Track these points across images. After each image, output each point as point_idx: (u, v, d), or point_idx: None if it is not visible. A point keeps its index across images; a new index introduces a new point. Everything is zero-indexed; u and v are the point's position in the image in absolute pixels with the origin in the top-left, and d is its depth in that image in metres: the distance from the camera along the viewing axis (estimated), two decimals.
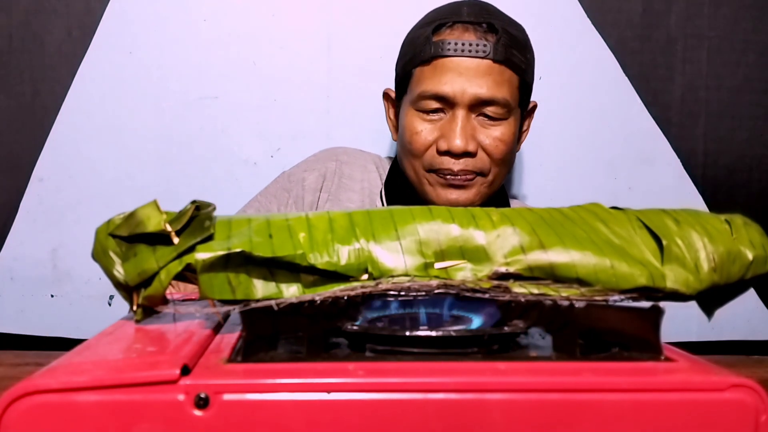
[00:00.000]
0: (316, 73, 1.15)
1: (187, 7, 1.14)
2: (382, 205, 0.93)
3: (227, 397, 0.31)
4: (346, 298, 0.39)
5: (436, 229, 0.43)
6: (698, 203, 1.17)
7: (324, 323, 0.38)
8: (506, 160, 0.91)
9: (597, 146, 1.18)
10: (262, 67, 1.15)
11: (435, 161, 0.89)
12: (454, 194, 0.90)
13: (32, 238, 1.11)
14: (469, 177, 0.89)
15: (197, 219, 0.43)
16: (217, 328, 0.42)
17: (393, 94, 0.97)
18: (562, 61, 1.18)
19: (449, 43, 0.86)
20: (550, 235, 0.43)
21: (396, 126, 0.97)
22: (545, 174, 1.18)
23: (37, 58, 1.13)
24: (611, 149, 1.18)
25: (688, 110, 1.18)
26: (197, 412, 0.31)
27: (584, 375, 0.33)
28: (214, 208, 0.46)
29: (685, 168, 1.17)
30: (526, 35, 0.93)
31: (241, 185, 1.13)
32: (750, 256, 0.45)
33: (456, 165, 0.88)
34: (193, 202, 0.45)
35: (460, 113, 0.87)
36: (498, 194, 0.97)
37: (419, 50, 0.89)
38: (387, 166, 1.00)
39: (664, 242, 0.44)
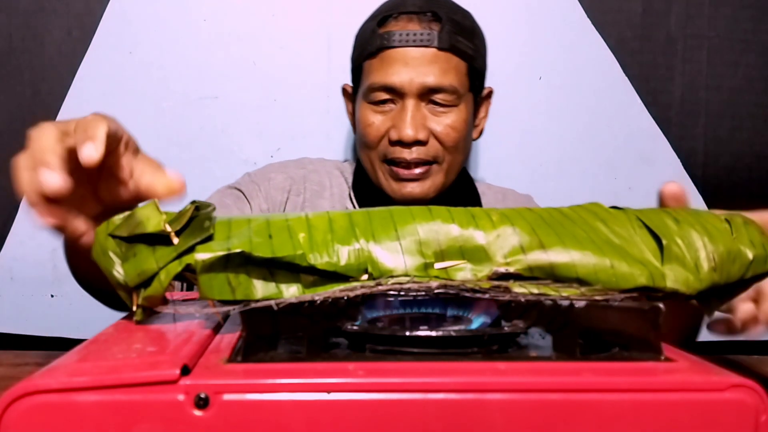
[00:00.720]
0: (316, 73, 1.15)
1: (187, 7, 1.14)
2: (354, 207, 0.92)
3: (227, 397, 0.31)
4: (346, 298, 0.39)
5: (435, 229, 0.43)
6: (698, 203, 1.17)
7: (324, 323, 0.38)
8: (459, 148, 0.92)
9: (597, 146, 1.19)
10: (262, 67, 1.15)
11: (388, 151, 0.90)
12: (408, 187, 0.90)
13: (32, 238, 1.11)
14: (421, 169, 0.89)
15: (197, 219, 0.43)
16: (217, 328, 0.42)
17: (350, 89, 0.98)
18: (562, 61, 1.18)
19: (394, 34, 0.88)
20: (549, 235, 0.43)
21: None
22: (545, 174, 1.18)
23: (37, 58, 1.13)
24: (611, 149, 1.18)
25: (688, 110, 1.18)
26: (197, 412, 0.31)
27: (584, 375, 0.33)
28: (214, 209, 0.46)
29: (685, 168, 1.18)
30: (474, 22, 0.95)
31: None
32: (750, 255, 0.45)
33: (408, 154, 0.88)
34: (193, 202, 0.45)
35: (410, 103, 0.88)
36: (461, 181, 0.98)
37: (366, 44, 0.91)
38: (351, 169, 1.01)
39: (664, 242, 0.44)
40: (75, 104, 1.13)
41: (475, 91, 0.94)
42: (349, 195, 0.97)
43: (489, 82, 1.18)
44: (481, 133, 0.99)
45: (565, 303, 0.39)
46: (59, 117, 1.13)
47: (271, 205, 0.92)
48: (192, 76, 1.14)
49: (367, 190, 0.96)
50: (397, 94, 0.89)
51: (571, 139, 1.18)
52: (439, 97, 0.89)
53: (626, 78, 1.18)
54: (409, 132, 0.87)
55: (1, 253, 1.12)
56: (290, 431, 0.31)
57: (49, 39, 1.13)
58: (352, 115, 0.99)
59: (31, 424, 0.30)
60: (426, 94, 0.88)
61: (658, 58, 1.19)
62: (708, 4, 1.18)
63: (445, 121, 0.89)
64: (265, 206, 0.92)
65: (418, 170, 0.89)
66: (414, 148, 0.88)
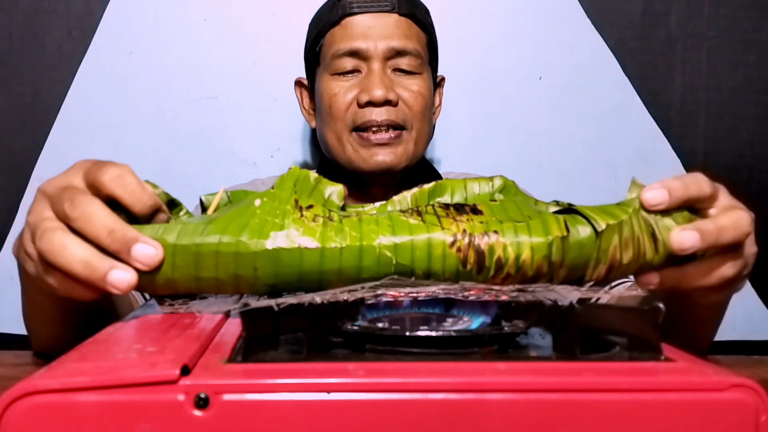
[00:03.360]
0: None
1: (187, 7, 1.14)
2: None
3: (227, 397, 0.31)
4: (346, 299, 0.39)
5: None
6: None
7: (324, 323, 0.38)
8: (426, 116, 0.93)
9: (597, 146, 1.19)
10: (262, 67, 1.15)
11: (357, 116, 0.89)
12: (380, 155, 0.89)
13: None
14: (393, 134, 0.89)
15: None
16: (217, 328, 0.42)
17: (305, 82, 0.99)
18: (562, 61, 1.18)
19: (354, 2, 0.90)
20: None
21: (312, 111, 0.99)
22: (545, 174, 1.18)
23: (37, 58, 1.13)
24: (611, 149, 1.18)
25: (688, 110, 1.18)
26: (197, 412, 0.31)
27: (584, 375, 0.33)
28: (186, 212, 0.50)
29: (685, 168, 1.18)
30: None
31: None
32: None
33: (379, 115, 0.88)
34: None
35: (376, 65, 0.89)
36: (424, 167, 0.98)
37: (327, 16, 0.92)
38: None
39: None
40: (75, 104, 1.13)
41: (433, 67, 0.96)
42: None
43: (489, 81, 1.18)
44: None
45: (565, 303, 0.39)
46: (59, 117, 1.13)
47: None
48: (192, 76, 1.14)
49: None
50: (362, 58, 0.89)
51: (571, 139, 1.18)
52: (403, 62, 0.90)
53: (626, 78, 1.18)
54: (379, 92, 0.87)
55: (1, 253, 1.12)
56: (290, 431, 0.31)
57: (49, 39, 1.13)
58: (309, 106, 1.00)
59: (31, 424, 0.30)
60: (391, 58, 0.90)
61: (658, 58, 1.19)
62: (708, 4, 1.18)
63: (411, 87, 0.90)
64: None
65: (389, 134, 0.89)
66: (384, 108, 0.88)
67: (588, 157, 1.18)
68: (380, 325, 0.41)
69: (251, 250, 0.43)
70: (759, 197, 1.16)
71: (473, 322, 0.43)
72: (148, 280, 0.44)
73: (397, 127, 0.89)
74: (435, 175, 0.99)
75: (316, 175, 0.49)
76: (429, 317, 0.44)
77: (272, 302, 0.37)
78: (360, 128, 0.89)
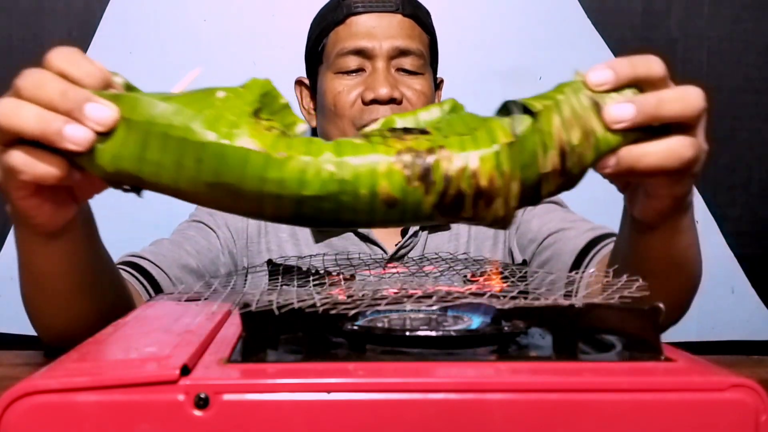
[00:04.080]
0: None
1: (187, 7, 1.14)
2: None
3: (227, 397, 0.31)
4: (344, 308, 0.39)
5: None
6: (698, 202, 1.17)
7: (324, 323, 0.38)
8: None
9: None
10: (262, 67, 1.15)
11: (363, 114, 0.89)
12: None
13: None
14: None
15: None
16: (217, 328, 0.42)
17: (306, 81, 0.99)
18: (562, 61, 1.18)
19: (360, 1, 0.90)
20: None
21: (313, 110, 0.99)
22: None
23: (37, 58, 1.13)
24: None
25: None
26: (197, 412, 0.31)
27: (584, 375, 0.33)
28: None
29: None
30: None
31: None
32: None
33: (384, 113, 0.88)
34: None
35: (380, 64, 0.89)
36: None
37: (331, 15, 0.92)
38: None
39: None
40: None
41: (434, 69, 0.97)
42: None
43: (489, 81, 1.18)
44: None
45: (565, 303, 0.39)
46: None
47: (233, 232, 0.90)
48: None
49: None
50: (366, 57, 0.90)
51: None
52: (407, 62, 0.90)
53: None
54: (384, 90, 0.87)
55: (1, 253, 1.12)
56: (290, 431, 0.31)
57: (49, 39, 1.13)
58: (310, 105, 1.00)
59: (31, 424, 0.30)
60: (395, 57, 0.90)
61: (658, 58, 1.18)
62: (708, 4, 1.18)
63: (414, 86, 0.91)
64: (229, 234, 0.89)
65: None
66: (389, 107, 0.89)
67: None
68: (380, 325, 0.41)
69: (198, 140, 0.42)
70: (759, 197, 1.16)
71: (473, 322, 0.43)
72: (95, 155, 0.42)
73: None
74: None
75: (285, 101, 0.47)
76: (429, 317, 0.44)
77: (273, 306, 0.37)
78: (365, 126, 0.89)
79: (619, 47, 1.18)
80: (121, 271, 0.68)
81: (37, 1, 1.13)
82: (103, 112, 0.42)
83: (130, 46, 1.14)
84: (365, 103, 0.89)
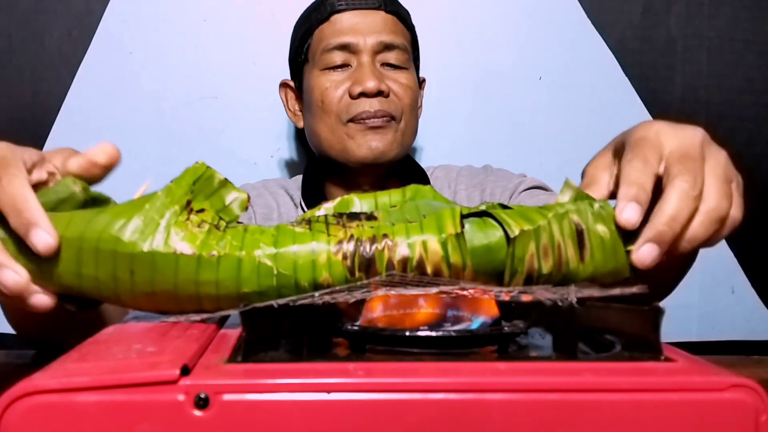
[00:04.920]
0: None
1: (187, 7, 1.14)
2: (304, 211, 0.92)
3: (227, 397, 0.31)
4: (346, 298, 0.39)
5: None
6: None
7: (324, 323, 0.38)
8: (414, 109, 0.95)
9: (597, 146, 1.18)
10: (262, 67, 1.15)
11: (351, 108, 0.91)
12: (374, 141, 0.90)
13: None
14: (386, 118, 0.91)
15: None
16: (217, 328, 0.42)
17: (291, 83, 1.01)
18: (562, 61, 1.18)
19: (342, 0, 0.92)
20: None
21: (299, 111, 1.00)
22: (546, 174, 1.18)
23: (37, 58, 1.13)
24: None
25: (688, 110, 1.18)
26: (197, 413, 0.31)
27: (584, 375, 0.33)
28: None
29: None
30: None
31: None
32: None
33: (372, 106, 0.90)
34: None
35: (366, 59, 0.91)
36: (409, 163, 1.00)
37: (315, 14, 0.94)
38: (295, 184, 1.01)
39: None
40: (75, 104, 1.13)
41: (416, 66, 0.98)
42: (300, 204, 0.97)
43: (489, 81, 1.18)
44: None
45: (565, 303, 0.39)
46: (59, 117, 1.13)
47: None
48: (192, 76, 1.14)
49: (319, 190, 0.98)
50: (352, 52, 0.91)
51: (571, 139, 1.18)
52: (392, 56, 0.92)
53: (626, 78, 1.18)
54: (371, 83, 0.89)
55: None
56: (290, 431, 0.31)
57: (49, 39, 1.13)
58: (296, 107, 1.01)
59: (31, 424, 0.30)
60: (380, 52, 0.91)
61: (658, 58, 1.18)
62: (708, 4, 1.18)
63: (400, 80, 0.92)
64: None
65: (383, 118, 0.90)
66: (377, 99, 0.90)
67: (588, 157, 1.18)
68: (380, 325, 0.41)
69: (128, 251, 0.41)
70: (759, 197, 1.16)
71: (473, 322, 0.43)
72: (43, 275, 0.43)
73: (390, 116, 0.91)
74: (419, 171, 1.00)
75: (222, 177, 0.45)
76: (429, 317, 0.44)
77: (273, 302, 0.37)
78: (353, 120, 0.91)
79: (619, 47, 1.18)
80: None
81: (37, 1, 1.12)
82: (43, 239, 0.42)
83: (130, 46, 1.14)
84: (353, 97, 0.90)
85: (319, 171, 0.99)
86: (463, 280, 0.41)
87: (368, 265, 0.41)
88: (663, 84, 1.18)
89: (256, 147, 1.16)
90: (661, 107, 1.18)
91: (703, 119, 1.18)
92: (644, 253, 0.43)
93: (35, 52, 1.13)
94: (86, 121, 1.12)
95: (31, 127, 1.13)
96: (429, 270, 0.41)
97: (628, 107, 1.18)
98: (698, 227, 0.44)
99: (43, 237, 0.42)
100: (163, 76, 1.14)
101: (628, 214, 0.43)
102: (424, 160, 1.11)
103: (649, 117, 1.18)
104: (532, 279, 0.43)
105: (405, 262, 0.41)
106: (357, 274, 0.41)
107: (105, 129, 1.13)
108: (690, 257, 0.60)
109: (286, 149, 1.17)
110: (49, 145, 1.12)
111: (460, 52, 1.16)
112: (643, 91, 1.18)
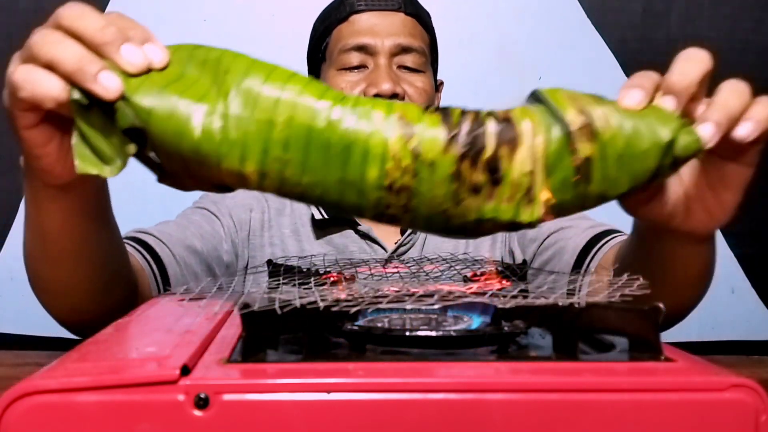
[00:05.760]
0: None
1: (187, 7, 1.14)
2: (319, 217, 0.91)
3: (227, 397, 0.31)
4: (346, 298, 0.39)
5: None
6: None
7: (324, 323, 0.38)
8: None
9: None
10: None
11: None
12: None
13: None
14: None
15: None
16: (217, 328, 0.42)
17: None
18: (562, 61, 1.18)
19: (362, 0, 0.92)
20: None
21: None
22: None
23: None
24: None
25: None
26: (197, 413, 0.31)
27: (584, 375, 0.33)
28: None
29: None
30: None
31: None
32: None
33: None
34: None
35: (383, 61, 0.90)
36: None
37: (334, 13, 0.93)
38: None
39: None
40: None
41: (434, 70, 0.97)
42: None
43: (489, 81, 1.18)
44: None
45: (565, 303, 0.39)
46: None
47: (237, 222, 0.90)
48: None
49: None
50: (369, 53, 0.91)
51: None
52: (409, 59, 0.91)
53: (626, 78, 1.18)
54: (387, 85, 0.88)
55: (1, 253, 1.12)
56: (290, 431, 0.31)
57: None
58: None
59: (31, 424, 0.30)
60: (397, 55, 0.91)
61: (658, 58, 1.18)
62: (708, 4, 1.18)
63: (416, 83, 0.91)
64: (232, 223, 0.89)
65: None
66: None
67: None
68: (380, 325, 0.41)
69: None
70: (759, 197, 1.16)
71: (473, 322, 0.43)
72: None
73: None
74: None
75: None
76: (429, 317, 0.44)
77: (275, 305, 0.37)
78: None
79: (619, 47, 1.18)
80: (126, 245, 0.68)
81: (37, 1, 1.12)
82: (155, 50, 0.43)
83: None
84: None
85: None
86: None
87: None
88: None
89: None
90: None
91: None
92: (706, 129, 0.44)
93: None
94: None
95: None
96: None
97: None
98: (759, 107, 0.46)
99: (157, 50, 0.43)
100: None
101: (632, 95, 0.46)
102: None
103: None
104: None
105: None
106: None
107: None
108: (712, 251, 0.59)
109: None
110: None
111: (460, 52, 1.16)
112: None
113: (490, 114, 0.42)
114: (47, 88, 0.42)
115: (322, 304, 0.36)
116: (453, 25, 1.16)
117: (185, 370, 0.32)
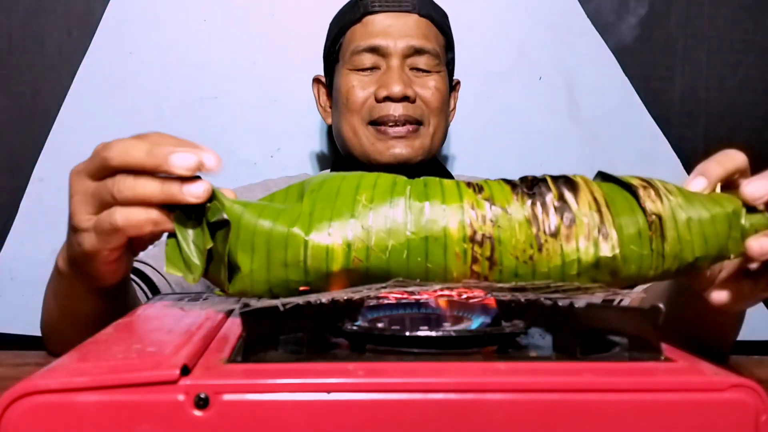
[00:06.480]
0: (315, 72, 1.15)
1: (187, 7, 1.14)
2: None
3: (227, 397, 0.31)
4: (346, 298, 0.39)
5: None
6: None
7: (324, 323, 0.38)
8: (443, 112, 0.94)
9: (597, 146, 1.18)
10: (262, 67, 1.15)
11: (374, 110, 0.90)
12: (397, 147, 0.90)
13: (32, 238, 1.11)
14: (410, 128, 0.90)
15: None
16: (217, 328, 0.42)
17: (323, 79, 1.01)
18: (562, 61, 1.18)
19: (377, 0, 0.92)
20: None
21: (329, 108, 1.00)
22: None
23: (37, 58, 1.13)
24: (611, 149, 1.18)
25: (688, 110, 1.18)
26: (197, 413, 0.31)
27: (584, 375, 0.33)
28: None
29: (685, 168, 1.17)
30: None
31: (241, 185, 1.13)
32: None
33: (396, 110, 0.89)
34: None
35: (395, 63, 0.90)
36: (435, 166, 0.99)
37: (349, 14, 0.94)
38: (296, 180, 1.01)
39: None
40: (75, 104, 1.13)
41: (449, 69, 0.97)
42: None
43: (489, 81, 1.18)
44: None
45: (565, 303, 0.39)
46: (59, 117, 1.13)
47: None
48: (192, 76, 1.14)
49: None
50: (381, 55, 0.91)
51: (571, 139, 1.18)
52: (421, 61, 0.91)
53: (626, 78, 1.18)
54: (397, 88, 0.88)
55: (1, 253, 1.12)
56: (290, 431, 0.31)
57: (49, 39, 1.13)
58: (326, 103, 1.01)
59: (31, 424, 0.30)
60: (410, 56, 0.91)
61: (658, 58, 1.18)
62: (708, 4, 1.18)
63: (429, 84, 0.91)
64: None
65: (407, 128, 0.90)
66: (402, 104, 0.89)
67: (588, 157, 1.18)
68: (380, 325, 0.41)
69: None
70: None
71: (473, 322, 0.43)
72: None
73: (414, 122, 0.91)
74: (446, 175, 0.99)
75: None
76: (429, 317, 0.44)
77: (278, 302, 0.37)
78: (376, 122, 0.91)
79: (619, 47, 1.18)
80: None
81: (37, 1, 1.12)
82: (209, 157, 0.46)
83: (130, 46, 1.14)
84: (378, 101, 0.90)
85: (345, 170, 0.97)
86: None
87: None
88: (663, 84, 1.18)
89: (256, 147, 1.16)
90: (661, 107, 1.18)
91: (703, 119, 1.18)
92: (754, 185, 0.47)
93: (35, 52, 1.13)
94: (86, 121, 1.12)
95: (31, 127, 1.13)
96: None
97: (628, 107, 1.18)
98: None
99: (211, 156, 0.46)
100: (163, 76, 1.14)
101: (697, 182, 0.47)
102: None
103: (648, 117, 1.18)
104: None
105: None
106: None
107: (105, 129, 1.12)
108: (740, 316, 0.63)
109: (286, 149, 1.17)
110: (49, 145, 1.12)
111: (460, 52, 1.16)
112: (643, 91, 1.18)
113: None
114: (144, 218, 0.46)
115: (324, 299, 0.36)
116: (452, 25, 1.16)
117: (185, 370, 0.32)
